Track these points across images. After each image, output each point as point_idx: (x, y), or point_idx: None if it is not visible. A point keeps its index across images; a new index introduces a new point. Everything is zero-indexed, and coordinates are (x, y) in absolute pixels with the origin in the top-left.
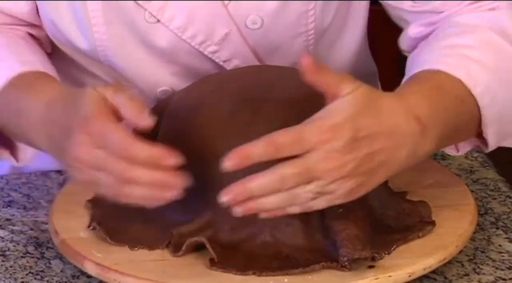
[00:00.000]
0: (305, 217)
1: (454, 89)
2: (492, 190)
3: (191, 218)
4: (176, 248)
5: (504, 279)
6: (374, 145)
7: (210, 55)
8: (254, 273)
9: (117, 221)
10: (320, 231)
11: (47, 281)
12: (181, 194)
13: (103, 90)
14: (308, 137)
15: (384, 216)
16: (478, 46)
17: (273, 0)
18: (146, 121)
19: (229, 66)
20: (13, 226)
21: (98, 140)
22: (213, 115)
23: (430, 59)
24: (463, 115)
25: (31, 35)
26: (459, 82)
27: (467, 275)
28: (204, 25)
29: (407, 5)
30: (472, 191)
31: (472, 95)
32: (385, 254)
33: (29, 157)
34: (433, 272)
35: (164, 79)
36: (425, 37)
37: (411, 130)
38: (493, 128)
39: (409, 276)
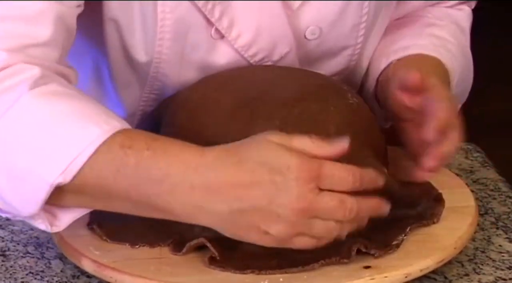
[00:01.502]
0: None
1: (448, 78)
2: (492, 190)
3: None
4: (177, 248)
5: (504, 279)
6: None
7: None
8: (252, 272)
9: (117, 221)
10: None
11: (47, 281)
12: None
13: (280, 139)
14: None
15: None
16: (454, 43)
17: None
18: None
19: None
20: (13, 226)
21: (323, 183)
22: (214, 113)
23: (423, 45)
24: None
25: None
26: (448, 72)
27: (467, 275)
28: (267, 44)
29: None
30: (472, 191)
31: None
32: (402, 237)
33: (64, 225)
34: (433, 272)
35: None
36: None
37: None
38: None
39: (405, 277)
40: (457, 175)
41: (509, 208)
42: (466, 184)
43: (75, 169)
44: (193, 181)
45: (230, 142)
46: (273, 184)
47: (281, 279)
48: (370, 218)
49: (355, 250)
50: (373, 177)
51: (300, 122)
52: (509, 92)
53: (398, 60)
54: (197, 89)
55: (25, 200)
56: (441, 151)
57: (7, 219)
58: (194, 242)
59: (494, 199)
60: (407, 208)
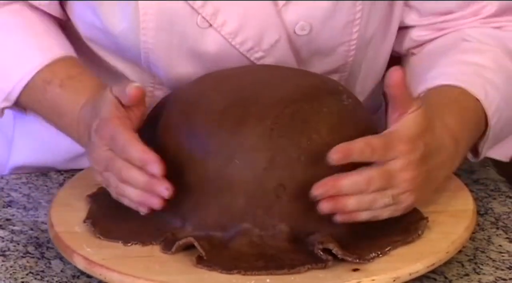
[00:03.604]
0: (294, 225)
1: (474, 109)
2: (492, 190)
3: (182, 216)
4: (167, 247)
5: (504, 279)
6: (433, 161)
7: (255, 61)
8: (239, 272)
9: (113, 218)
10: (305, 242)
11: (47, 281)
12: (163, 204)
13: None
14: (394, 146)
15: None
16: (493, 67)
17: (326, 0)
18: (131, 90)
19: None
20: (13, 226)
21: (108, 142)
22: (206, 112)
23: (451, 73)
24: (477, 132)
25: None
26: (477, 101)
27: (467, 275)
28: (255, 32)
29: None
30: (472, 191)
31: (485, 114)
32: (377, 254)
33: None
34: (433, 272)
35: None
36: (429, 41)
37: (451, 148)
38: (489, 143)
39: (394, 280)
40: (457, 175)
41: (509, 208)
42: (466, 184)
43: (14, 95)
44: (78, 119)
45: (220, 141)
46: (90, 131)
47: (268, 280)
48: (353, 222)
49: (335, 256)
50: (154, 167)
51: (291, 123)
52: None
53: (425, 91)
54: (192, 88)
55: None
56: (335, 182)
57: (7, 219)
58: (182, 241)
59: (494, 199)
60: (383, 222)
